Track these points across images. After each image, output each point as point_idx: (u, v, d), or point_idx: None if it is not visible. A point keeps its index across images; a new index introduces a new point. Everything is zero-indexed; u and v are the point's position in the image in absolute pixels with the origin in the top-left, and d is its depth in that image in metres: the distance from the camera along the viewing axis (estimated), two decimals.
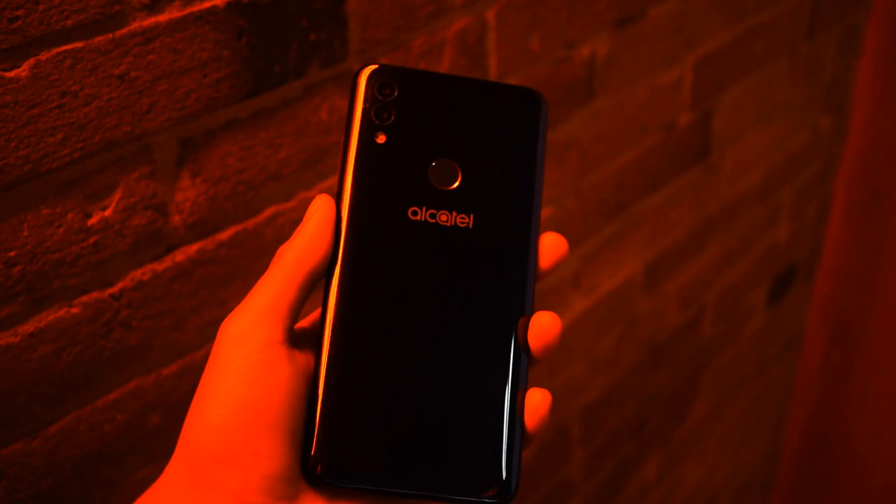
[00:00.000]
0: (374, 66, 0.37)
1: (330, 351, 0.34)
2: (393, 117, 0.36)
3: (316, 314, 0.36)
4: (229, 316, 0.34)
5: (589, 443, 1.03)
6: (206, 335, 0.56)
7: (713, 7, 0.89)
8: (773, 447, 1.58)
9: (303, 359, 0.34)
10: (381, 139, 0.36)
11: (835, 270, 1.44)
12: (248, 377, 0.32)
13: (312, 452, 0.33)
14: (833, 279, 1.45)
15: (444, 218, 0.35)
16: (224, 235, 0.54)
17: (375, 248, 0.35)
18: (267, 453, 0.31)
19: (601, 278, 0.92)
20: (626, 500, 1.16)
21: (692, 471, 1.31)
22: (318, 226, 0.35)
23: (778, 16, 1.01)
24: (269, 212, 0.56)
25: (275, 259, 0.35)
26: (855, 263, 1.41)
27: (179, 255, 0.53)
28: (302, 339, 0.35)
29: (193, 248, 0.53)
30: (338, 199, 0.36)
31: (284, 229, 0.58)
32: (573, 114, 0.78)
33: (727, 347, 1.25)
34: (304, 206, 0.58)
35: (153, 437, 0.55)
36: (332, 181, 0.59)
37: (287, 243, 0.35)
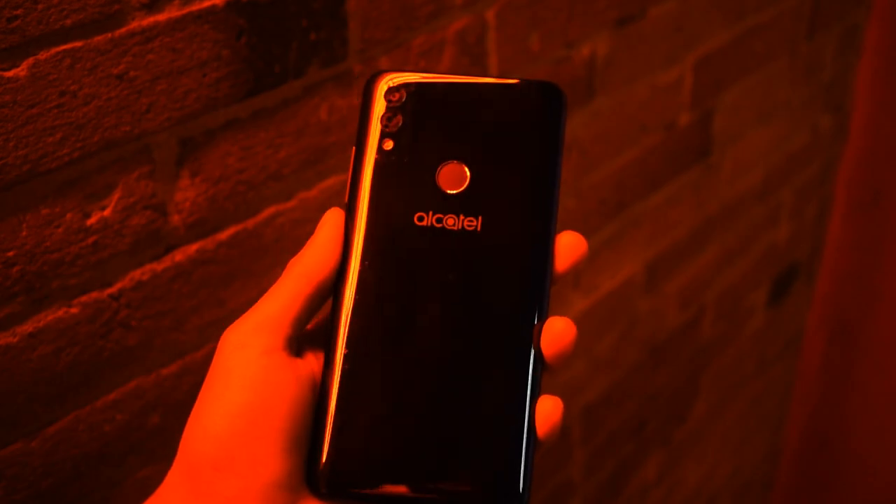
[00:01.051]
0: (381, 73, 0.36)
1: (338, 361, 0.34)
2: (401, 123, 0.36)
3: (323, 324, 0.36)
4: (232, 325, 0.33)
5: (589, 443, 1.02)
6: (206, 335, 0.56)
7: (713, 7, 0.89)
8: (773, 447, 1.58)
9: (306, 367, 0.34)
10: (389, 145, 0.36)
11: (835, 270, 1.44)
12: (247, 384, 0.32)
13: (322, 464, 0.33)
14: (833, 279, 1.45)
15: (450, 222, 0.35)
16: (224, 235, 0.54)
17: (383, 257, 0.35)
18: (266, 461, 0.31)
19: (601, 278, 0.92)
20: (627, 500, 1.16)
21: (692, 471, 1.31)
22: (327, 238, 0.35)
23: (778, 15, 1.01)
24: (268, 212, 0.56)
25: (284, 272, 0.35)
26: (855, 263, 1.41)
27: (179, 255, 0.53)
28: (305, 349, 0.35)
29: (193, 248, 0.53)
30: (347, 208, 0.35)
31: (284, 229, 0.57)
32: (573, 114, 0.78)
33: (727, 347, 1.25)
34: (304, 205, 0.58)
35: (153, 437, 0.55)
36: (332, 181, 0.59)
37: (296, 256, 0.35)
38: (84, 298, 0.49)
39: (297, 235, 0.58)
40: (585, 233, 0.85)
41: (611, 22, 0.78)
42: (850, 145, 1.33)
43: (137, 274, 0.51)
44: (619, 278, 0.95)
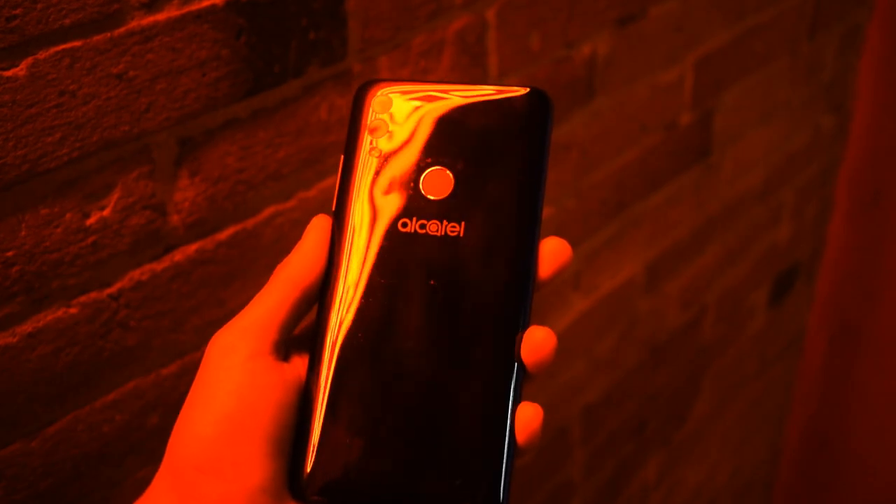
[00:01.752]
0: (371, 82, 0.37)
1: (322, 368, 0.34)
2: (389, 131, 0.36)
3: (309, 330, 0.36)
4: (220, 330, 0.34)
5: (589, 443, 1.02)
6: (206, 335, 0.56)
7: (714, 6, 0.89)
8: (774, 447, 1.58)
9: (292, 372, 0.34)
10: (377, 153, 0.36)
11: (836, 270, 1.44)
12: (232, 388, 0.32)
13: (305, 471, 0.33)
14: (834, 279, 1.45)
15: (433, 228, 0.35)
16: (223, 235, 0.54)
17: (367, 263, 0.35)
18: (250, 464, 0.31)
19: (601, 278, 0.92)
20: (627, 500, 1.16)
21: (692, 471, 1.30)
22: (313, 244, 0.35)
23: (779, 15, 1.01)
24: (268, 211, 0.56)
25: (271, 277, 0.35)
26: (856, 263, 1.41)
27: (178, 255, 0.52)
28: (293, 353, 0.35)
29: (192, 248, 0.53)
30: (334, 215, 0.36)
31: (284, 229, 0.57)
32: (573, 113, 0.78)
33: (728, 348, 1.25)
34: (304, 205, 0.58)
35: (152, 437, 0.55)
36: (332, 181, 0.59)
37: (283, 261, 0.35)
38: (83, 298, 0.49)
39: (296, 235, 0.58)
40: (585, 233, 0.86)
41: (611, 21, 0.78)
42: (851, 145, 1.33)
43: (137, 274, 0.51)
44: (620, 278, 0.95)
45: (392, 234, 0.35)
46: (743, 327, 1.27)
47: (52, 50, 0.43)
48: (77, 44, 0.44)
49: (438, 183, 0.36)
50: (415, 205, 0.35)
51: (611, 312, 0.96)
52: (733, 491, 1.47)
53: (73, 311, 0.49)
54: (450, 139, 0.36)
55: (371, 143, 0.36)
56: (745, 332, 1.28)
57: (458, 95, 0.37)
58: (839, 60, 1.20)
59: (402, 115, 0.37)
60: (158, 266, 0.52)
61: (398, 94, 0.37)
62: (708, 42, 0.91)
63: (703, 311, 1.14)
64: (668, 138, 0.92)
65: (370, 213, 0.36)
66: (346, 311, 0.35)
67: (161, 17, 0.47)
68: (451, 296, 0.35)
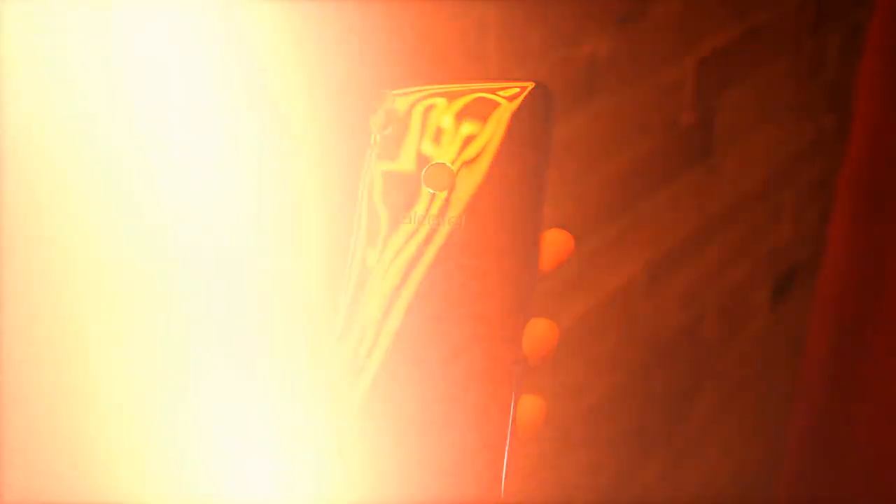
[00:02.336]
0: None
1: None
2: (391, 128, 0.36)
3: None
4: None
5: (589, 444, 1.02)
6: None
7: (715, 6, 0.89)
8: (775, 449, 1.58)
9: None
10: (379, 150, 0.36)
11: (837, 271, 1.44)
12: None
13: None
14: (835, 280, 1.44)
15: (436, 222, 0.35)
16: None
17: (367, 258, 0.35)
18: None
19: (601, 278, 0.92)
20: (627, 502, 1.15)
21: (693, 473, 1.30)
22: None
23: (780, 15, 1.01)
24: None
25: None
26: (858, 264, 1.41)
27: None
28: None
29: None
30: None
31: None
32: (573, 113, 0.78)
33: (729, 349, 1.25)
34: None
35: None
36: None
37: None
38: None
39: None
40: (585, 232, 0.85)
41: (612, 20, 0.77)
42: (853, 146, 1.33)
43: None
44: (620, 279, 0.94)
45: (393, 228, 0.35)
46: (743, 328, 1.27)
47: None
48: None
49: (440, 177, 0.36)
50: (416, 199, 0.36)
51: (611, 313, 0.95)
52: (734, 492, 1.47)
53: None
54: (452, 134, 0.36)
55: (374, 140, 0.37)
56: (745, 332, 1.28)
57: (460, 90, 0.37)
58: (840, 60, 1.19)
59: (404, 112, 0.37)
60: None
61: (399, 91, 0.37)
62: (709, 41, 0.91)
63: (704, 312, 1.14)
64: (668, 138, 0.92)
65: (372, 209, 0.36)
66: (346, 306, 0.35)
67: None
68: (452, 289, 0.35)
